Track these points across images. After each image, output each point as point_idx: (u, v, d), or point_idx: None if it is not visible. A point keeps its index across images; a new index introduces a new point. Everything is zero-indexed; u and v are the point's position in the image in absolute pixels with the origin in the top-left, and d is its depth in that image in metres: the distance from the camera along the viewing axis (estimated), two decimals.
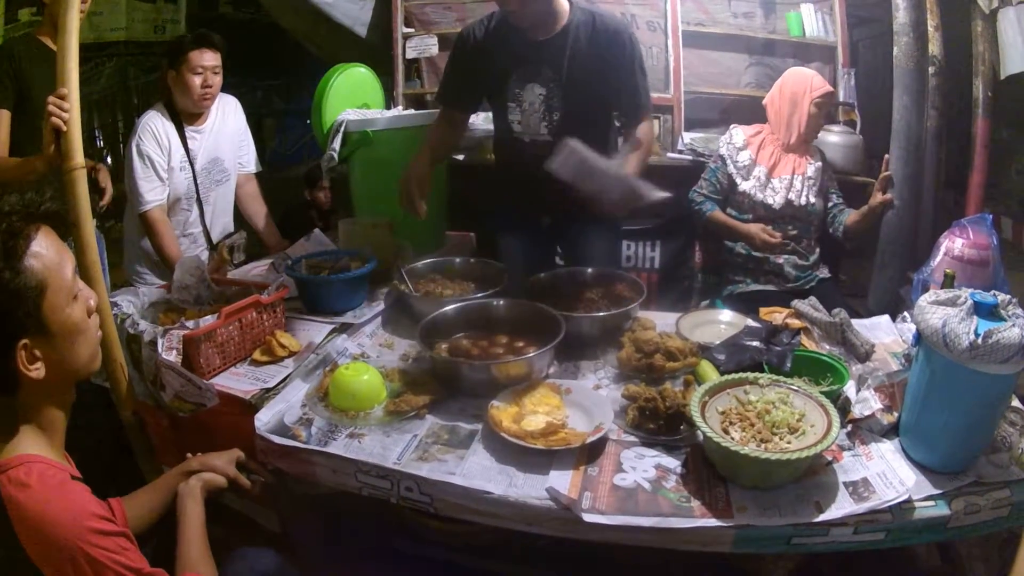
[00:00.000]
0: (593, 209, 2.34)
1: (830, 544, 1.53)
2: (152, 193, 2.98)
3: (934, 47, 3.21)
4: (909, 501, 1.53)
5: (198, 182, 3.14)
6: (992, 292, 1.56)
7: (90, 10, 2.80)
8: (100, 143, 5.38)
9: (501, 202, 2.93)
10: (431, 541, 2.17)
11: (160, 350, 1.97)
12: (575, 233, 2.81)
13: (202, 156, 3.14)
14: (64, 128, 1.99)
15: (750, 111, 4.13)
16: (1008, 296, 1.56)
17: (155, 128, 2.98)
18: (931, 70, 3.22)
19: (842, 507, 1.52)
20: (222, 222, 3.34)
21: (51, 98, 2.00)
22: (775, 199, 3.00)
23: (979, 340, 1.44)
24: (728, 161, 3.08)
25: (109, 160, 5.41)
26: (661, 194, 2.29)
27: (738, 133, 3.13)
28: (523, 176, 2.67)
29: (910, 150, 3.07)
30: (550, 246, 2.99)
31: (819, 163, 3.07)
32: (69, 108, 1.99)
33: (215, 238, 3.26)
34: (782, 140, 3.04)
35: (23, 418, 1.35)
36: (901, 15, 3.09)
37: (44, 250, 1.30)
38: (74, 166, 1.99)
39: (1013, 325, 1.45)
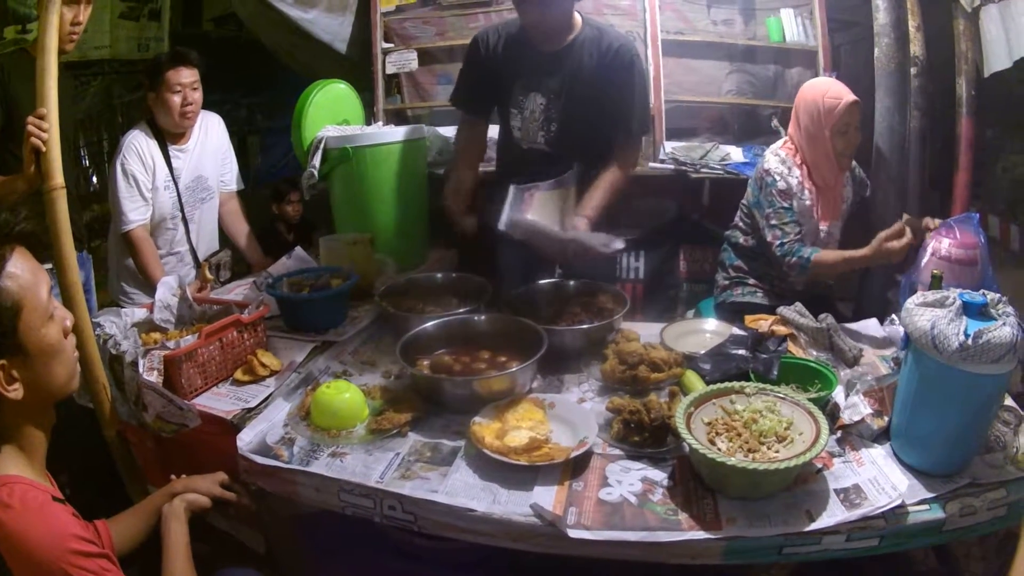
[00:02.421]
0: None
1: (823, 552, 1.51)
2: (135, 212, 2.97)
3: (916, 47, 3.20)
4: (902, 506, 1.52)
5: (183, 200, 3.14)
6: (981, 291, 1.54)
7: None
8: (85, 162, 5.34)
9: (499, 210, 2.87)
10: (420, 558, 2.14)
11: (141, 370, 1.96)
12: None
13: (186, 174, 3.14)
14: (43, 148, 1.99)
15: (731, 119, 4.14)
16: (997, 295, 1.54)
17: (139, 147, 2.99)
18: (913, 71, 3.21)
19: (834, 515, 1.50)
20: (207, 240, 3.34)
21: (30, 118, 2.00)
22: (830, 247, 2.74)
23: (969, 340, 1.43)
24: (795, 199, 2.67)
25: (95, 179, 5.37)
26: (618, 245, 2.34)
27: (792, 165, 2.70)
28: (520, 182, 2.62)
29: (894, 152, 3.05)
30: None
31: (850, 186, 2.85)
32: (48, 128, 1.99)
33: (201, 256, 3.25)
34: (816, 181, 2.72)
35: (3, 438, 1.36)
36: (881, 16, 3.08)
37: (19, 271, 1.31)
38: (54, 186, 1.99)
39: (1003, 324, 1.44)
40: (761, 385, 1.79)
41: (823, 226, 2.73)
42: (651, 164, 3.75)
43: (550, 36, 2.56)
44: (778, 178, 2.66)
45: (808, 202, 2.69)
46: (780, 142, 2.82)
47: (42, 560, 1.24)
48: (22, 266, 1.32)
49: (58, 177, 2.00)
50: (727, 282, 2.97)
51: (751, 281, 2.90)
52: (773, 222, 2.65)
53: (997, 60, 2.98)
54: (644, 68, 2.69)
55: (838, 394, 1.84)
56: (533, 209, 2.38)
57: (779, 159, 2.71)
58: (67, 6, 2.55)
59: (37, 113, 1.99)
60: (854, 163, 2.86)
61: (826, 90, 2.66)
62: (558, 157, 2.60)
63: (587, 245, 2.33)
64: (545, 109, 2.63)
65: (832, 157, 2.66)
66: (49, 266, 1.58)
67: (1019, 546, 1.37)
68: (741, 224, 2.91)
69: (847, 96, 2.60)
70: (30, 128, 1.99)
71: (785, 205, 2.65)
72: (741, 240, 2.90)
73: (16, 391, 1.31)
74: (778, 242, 2.63)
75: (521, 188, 2.38)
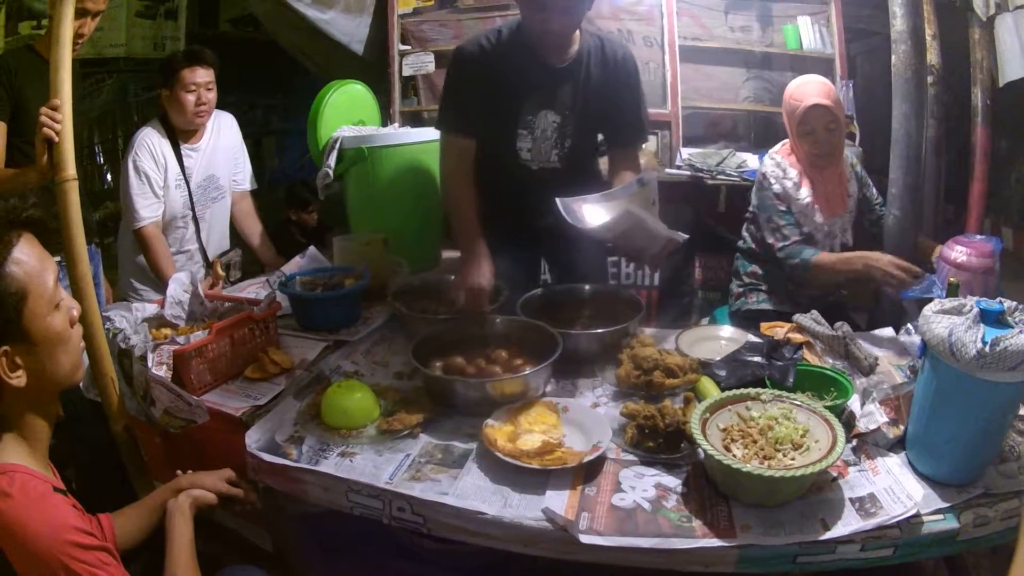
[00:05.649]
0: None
1: (837, 562, 1.49)
2: (147, 209, 2.97)
3: (932, 56, 3.19)
4: (917, 516, 1.50)
5: (194, 200, 3.14)
6: (998, 299, 1.52)
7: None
8: (100, 159, 5.38)
9: (486, 227, 2.55)
10: (428, 560, 2.13)
11: (150, 365, 1.94)
12: (562, 252, 2.73)
13: (197, 174, 3.13)
14: (56, 139, 1.99)
15: (748, 126, 4.13)
16: (1015, 303, 1.53)
17: (151, 144, 2.99)
18: (930, 79, 3.19)
19: (849, 524, 1.48)
20: (218, 239, 3.33)
21: (43, 109, 2.00)
22: (833, 245, 2.71)
23: (986, 348, 1.41)
24: (791, 201, 2.67)
25: (109, 176, 5.40)
26: (683, 237, 2.26)
27: (788, 166, 2.70)
28: (519, 201, 2.57)
29: (910, 159, 3.01)
30: (537, 265, 2.94)
31: (854, 181, 2.82)
32: (61, 119, 1.99)
33: (211, 255, 3.25)
34: (811, 177, 2.69)
35: (6, 427, 1.35)
36: (898, 23, 3.05)
37: (26, 257, 1.31)
38: (66, 177, 1.99)
39: (1021, 332, 1.42)
40: (777, 392, 1.77)
41: (822, 220, 2.69)
42: (668, 170, 3.76)
43: (559, 48, 2.40)
44: (773, 182, 2.69)
45: (807, 200, 2.67)
46: (780, 144, 2.82)
47: (40, 550, 1.23)
48: (29, 253, 1.31)
49: (70, 168, 2.00)
50: (741, 289, 2.95)
51: (764, 287, 2.89)
52: (772, 226, 2.67)
53: (1012, 69, 2.97)
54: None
55: (854, 402, 1.82)
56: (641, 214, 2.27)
57: (774, 163, 2.73)
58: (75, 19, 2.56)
59: (51, 104, 1.99)
60: (854, 160, 2.87)
61: (794, 91, 2.67)
62: (569, 173, 2.54)
63: (672, 239, 2.23)
64: (559, 127, 2.50)
65: (807, 151, 2.65)
66: (59, 259, 1.57)
67: (1017, 547, 1.35)
68: (750, 229, 2.91)
69: (808, 100, 2.57)
70: (43, 119, 1.99)
71: (782, 209, 2.68)
72: (752, 246, 2.89)
73: (19, 378, 1.30)
74: (779, 244, 2.65)
75: (581, 199, 2.26)
